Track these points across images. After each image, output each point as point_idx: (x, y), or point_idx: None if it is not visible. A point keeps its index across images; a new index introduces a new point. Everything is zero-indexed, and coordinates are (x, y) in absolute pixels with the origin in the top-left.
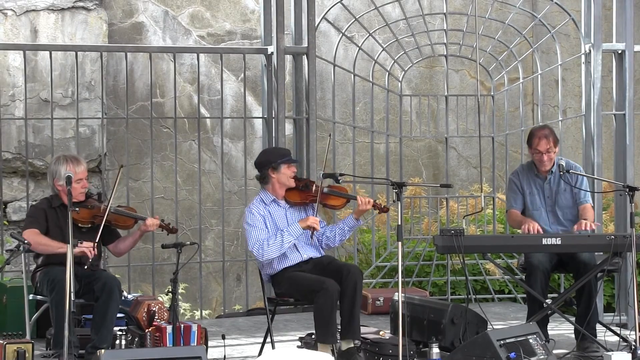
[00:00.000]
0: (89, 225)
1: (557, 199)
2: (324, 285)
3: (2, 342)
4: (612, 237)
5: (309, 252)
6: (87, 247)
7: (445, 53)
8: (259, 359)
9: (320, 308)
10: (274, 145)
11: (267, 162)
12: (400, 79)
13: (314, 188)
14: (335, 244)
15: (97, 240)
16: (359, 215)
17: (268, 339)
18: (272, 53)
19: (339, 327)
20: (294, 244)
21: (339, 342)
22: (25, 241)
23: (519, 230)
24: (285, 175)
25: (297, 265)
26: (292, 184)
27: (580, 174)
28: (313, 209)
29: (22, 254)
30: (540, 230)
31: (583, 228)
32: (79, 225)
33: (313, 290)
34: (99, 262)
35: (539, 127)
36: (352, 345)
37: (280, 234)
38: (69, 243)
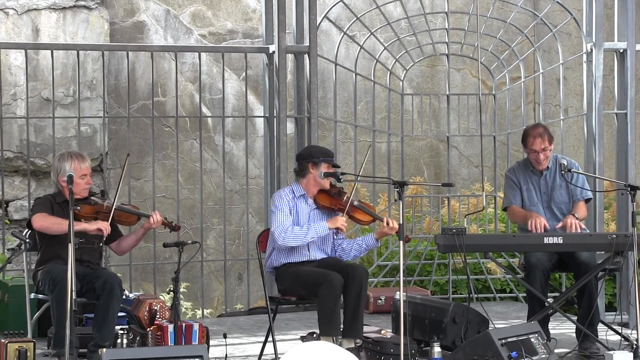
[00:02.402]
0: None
1: (553, 195)
2: (328, 277)
3: (3, 341)
4: (614, 236)
5: (317, 255)
6: (103, 226)
7: (446, 52)
8: (290, 351)
9: (323, 299)
10: (275, 144)
11: (310, 156)
12: (402, 78)
13: (344, 198)
14: (348, 258)
15: (109, 222)
16: (380, 237)
17: (270, 338)
18: (273, 52)
19: (342, 325)
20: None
21: (340, 339)
22: (27, 239)
23: (520, 227)
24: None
25: (302, 264)
26: (327, 185)
27: (581, 173)
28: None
29: (24, 253)
30: (547, 226)
31: (568, 228)
32: (82, 220)
33: (317, 283)
34: (100, 261)
35: (532, 126)
36: (354, 345)
37: (306, 227)
38: (70, 242)
